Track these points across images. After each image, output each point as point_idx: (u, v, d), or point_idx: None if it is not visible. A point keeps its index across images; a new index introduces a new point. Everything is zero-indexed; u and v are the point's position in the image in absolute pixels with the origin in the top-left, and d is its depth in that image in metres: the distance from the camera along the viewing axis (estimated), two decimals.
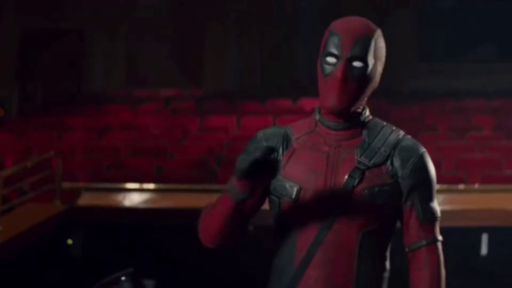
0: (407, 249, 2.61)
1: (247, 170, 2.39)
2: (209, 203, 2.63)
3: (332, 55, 2.55)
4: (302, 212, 2.55)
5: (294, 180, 2.56)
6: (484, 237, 8.88)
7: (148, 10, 16.76)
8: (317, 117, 2.62)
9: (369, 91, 2.59)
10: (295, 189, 2.55)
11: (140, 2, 16.81)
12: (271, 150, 2.42)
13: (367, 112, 2.64)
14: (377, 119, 2.66)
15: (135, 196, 9.73)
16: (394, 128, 2.65)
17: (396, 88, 14.36)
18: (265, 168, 2.41)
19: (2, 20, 16.62)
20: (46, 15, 16.46)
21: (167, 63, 16.55)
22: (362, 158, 2.56)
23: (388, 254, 2.62)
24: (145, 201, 9.59)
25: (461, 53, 15.96)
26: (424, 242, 2.57)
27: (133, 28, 16.82)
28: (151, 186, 9.99)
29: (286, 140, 2.63)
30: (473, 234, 8.83)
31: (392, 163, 2.57)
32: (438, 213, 2.60)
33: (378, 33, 2.60)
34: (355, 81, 2.53)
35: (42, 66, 16.63)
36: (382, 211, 2.55)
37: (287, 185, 2.57)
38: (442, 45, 16.07)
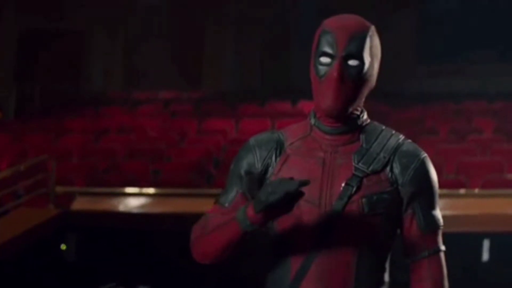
0: (408, 260, 2.50)
1: (275, 205, 2.27)
2: (202, 219, 2.51)
3: (326, 54, 2.42)
4: (296, 222, 2.44)
5: None
6: (486, 243, 8.79)
7: (148, 12, 16.72)
8: (312, 121, 2.50)
9: (366, 91, 2.47)
10: None
11: (140, 3, 16.76)
12: (303, 184, 2.28)
13: (365, 116, 2.53)
14: (375, 123, 2.55)
15: (130, 201, 9.65)
16: (393, 132, 2.54)
17: (395, 90, 14.30)
18: (292, 202, 2.29)
19: (1, 20, 16.57)
20: (45, 15, 16.41)
21: (166, 65, 16.52)
22: (359, 164, 2.45)
23: (387, 265, 2.51)
24: (141, 206, 9.51)
25: (462, 55, 15.89)
26: (426, 253, 2.46)
27: (132, 30, 16.77)
28: (146, 190, 9.90)
29: (279, 146, 2.51)
30: (474, 239, 8.74)
31: (391, 170, 2.46)
32: (441, 222, 2.50)
33: (373, 30, 2.48)
34: (351, 80, 2.41)
35: (41, 67, 16.58)
36: (381, 220, 2.43)
37: None
38: (442, 47, 16.01)
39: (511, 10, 15.53)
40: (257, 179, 2.49)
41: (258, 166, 2.49)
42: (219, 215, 2.47)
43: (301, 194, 2.27)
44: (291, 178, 2.28)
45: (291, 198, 2.26)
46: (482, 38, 15.81)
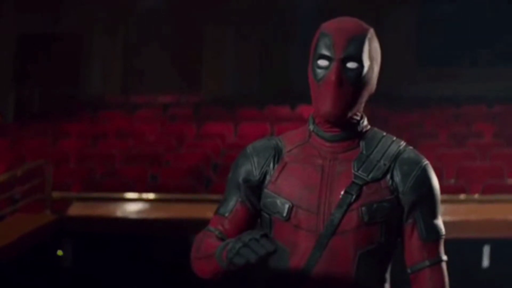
0: (409, 270, 2.44)
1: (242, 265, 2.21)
2: (200, 235, 2.47)
3: (324, 57, 2.36)
4: (294, 231, 2.38)
5: (285, 196, 2.40)
6: (486, 249, 8.71)
7: (147, 16, 16.68)
8: (311, 127, 2.44)
9: (366, 96, 2.41)
10: (287, 206, 2.39)
11: (139, 7, 16.72)
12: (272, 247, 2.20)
13: (365, 122, 2.47)
14: (376, 129, 2.50)
15: (128, 206, 9.59)
16: (394, 138, 2.48)
17: (395, 94, 14.25)
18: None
19: (0, 23, 16.52)
20: (44, 18, 16.37)
21: (165, 68, 16.47)
22: (359, 172, 2.39)
23: (388, 275, 2.45)
24: (138, 211, 9.45)
25: (461, 59, 15.85)
26: (427, 263, 2.41)
27: (131, 33, 16.74)
28: (144, 195, 9.84)
29: (277, 153, 2.46)
30: (474, 246, 8.67)
31: (392, 177, 2.40)
32: (443, 231, 2.44)
33: (372, 32, 2.42)
34: (350, 84, 2.35)
35: (39, 70, 16.55)
36: (381, 229, 2.38)
37: (278, 202, 2.40)
38: (441, 51, 15.96)
39: (511, 13, 15.49)
40: (255, 187, 2.44)
41: (256, 174, 2.44)
42: (213, 237, 2.43)
43: (271, 254, 2.18)
44: (265, 235, 2.20)
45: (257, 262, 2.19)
46: (481, 42, 15.78)
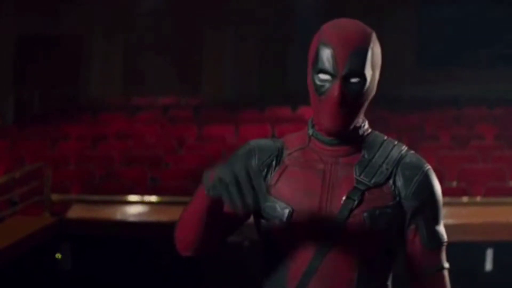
0: (410, 278, 2.39)
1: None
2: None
3: (326, 72, 2.28)
4: (294, 237, 2.33)
5: (285, 201, 2.34)
6: (489, 253, 8.64)
7: (147, 18, 16.66)
8: (310, 132, 2.38)
9: (367, 103, 2.36)
10: (287, 211, 2.32)
11: (139, 9, 16.70)
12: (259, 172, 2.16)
13: (366, 125, 2.41)
14: (377, 133, 2.44)
15: (127, 209, 9.53)
16: (396, 142, 2.43)
17: (395, 95, 14.21)
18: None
19: None
20: (43, 20, 16.35)
21: (165, 70, 16.46)
22: (361, 177, 2.34)
23: (389, 283, 2.40)
24: (138, 214, 9.39)
25: (462, 60, 15.81)
26: (428, 270, 2.36)
27: (132, 35, 16.72)
28: (144, 198, 9.79)
29: (280, 154, 2.40)
30: (477, 249, 8.60)
31: (394, 182, 2.35)
32: (445, 238, 2.39)
33: (374, 38, 2.33)
34: (353, 98, 2.29)
35: (39, 72, 16.53)
36: (383, 236, 2.32)
37: (277, 207, 2.34)
38: (442, 52, 15.92)
39: (511, 14, 15.47)
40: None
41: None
42: None
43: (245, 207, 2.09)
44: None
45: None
46: (482, 43, 15.74)
